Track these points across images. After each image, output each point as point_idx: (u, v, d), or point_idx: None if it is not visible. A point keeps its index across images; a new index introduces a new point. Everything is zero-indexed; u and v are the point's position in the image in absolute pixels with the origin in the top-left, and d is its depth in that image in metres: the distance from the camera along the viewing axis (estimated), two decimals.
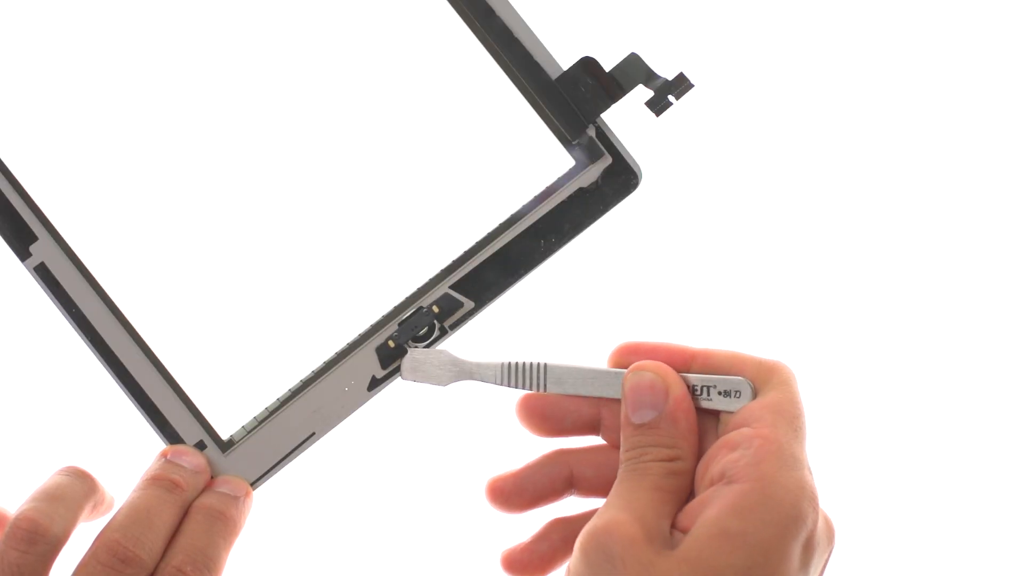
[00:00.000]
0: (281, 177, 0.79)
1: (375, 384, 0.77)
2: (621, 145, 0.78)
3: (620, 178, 0.78)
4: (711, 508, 0.68)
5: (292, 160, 0.79)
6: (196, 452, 0.76)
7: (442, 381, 0.77)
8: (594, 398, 0.75)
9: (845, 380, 1.09)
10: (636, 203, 0.78)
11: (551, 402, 0.76)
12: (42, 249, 0.77)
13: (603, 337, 1.04)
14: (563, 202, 0.78)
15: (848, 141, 1.08)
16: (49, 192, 0.77)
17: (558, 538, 0.76)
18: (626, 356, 0.75)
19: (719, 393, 0.73)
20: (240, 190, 0.79)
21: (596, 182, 0.78)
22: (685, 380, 0.73)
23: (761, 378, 0.72)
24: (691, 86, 0.76)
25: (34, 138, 0.78)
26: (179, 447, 0.76)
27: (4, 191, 0.76)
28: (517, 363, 0.76)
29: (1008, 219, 1.10)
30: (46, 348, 0.99)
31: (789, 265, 1.08)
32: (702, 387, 0.73)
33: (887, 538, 1.11)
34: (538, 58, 0.77)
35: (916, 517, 1.12)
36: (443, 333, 0.77)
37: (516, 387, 0.76)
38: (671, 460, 0.71)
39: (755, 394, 0.72)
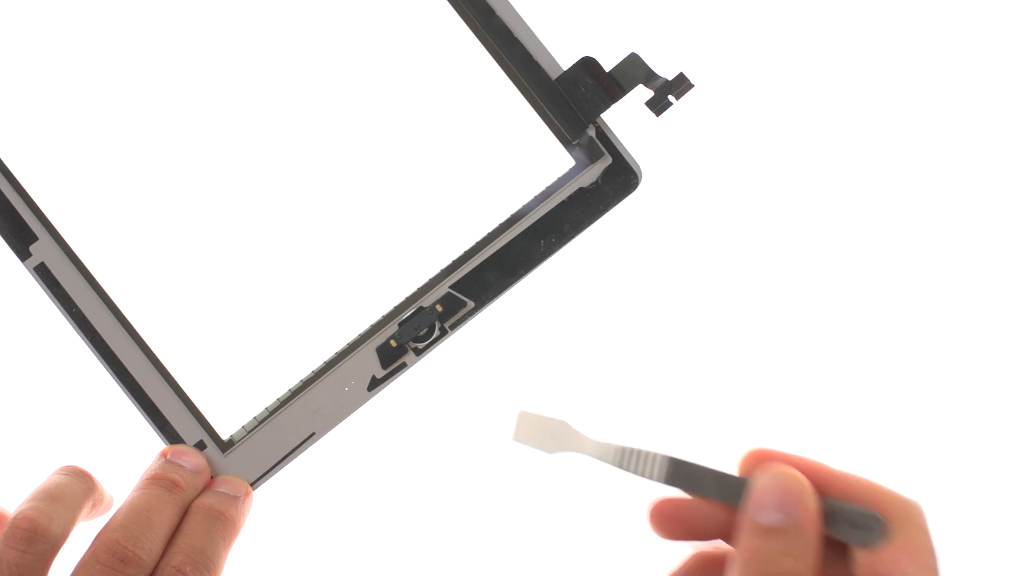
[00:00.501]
0: (281, 177, 0.79)
1: (375, 384, 0.77)
2: (621, 145, 0.78)
3: (620, 178, 0.78)
4: None
5: (292, 160, 0.79)
6: (196, 452, 0.76)
7: (551, 449, 0.73)
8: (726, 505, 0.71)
9: (842, 381, 1.09)
10: (636, 203, 0.78)
11: (685, 506, 0.71)
12: (42, 249, 0.77)
13: (603, 338, 1.04)
14: (563, 202, 0.78)
15: (848, 141, 1.08)
16: (49, 192, 0.77)
17: (701, 574, 0.72)
18: (758, 463, 0.70)
19: (848, 524, 0.67)
20: (240, 190, 0.79)
21: (596, 182, 0.78)
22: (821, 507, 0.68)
23: (896, 514, 0.67)
24: (691, 86, 0.76)
25: (34, 138, 0.78)
26: (179, 447, 0.76)
27: (4, 191, 0.76)
28: (636, 450, 0.71)
29: (1008, 221, 1.10)
30: (46, 348, 0.99)
31: (789, 265, 1.08)
32: (830, 512, 0.68)
33: None
34: (538, 58, 0.77)
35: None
36: (443, 333, 0.77)
37: (630, 472, 0.71)
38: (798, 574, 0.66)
39: (885, 532, 0.67)
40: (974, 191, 1.10)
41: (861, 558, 0.67)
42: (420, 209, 0.79)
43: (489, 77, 0.78)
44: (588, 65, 0.77)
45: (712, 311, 1.08)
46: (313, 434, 0.77)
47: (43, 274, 0.77)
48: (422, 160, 0.79)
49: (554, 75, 0.77)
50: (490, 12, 0.77)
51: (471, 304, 0.77)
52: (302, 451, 0.77)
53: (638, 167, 0.78)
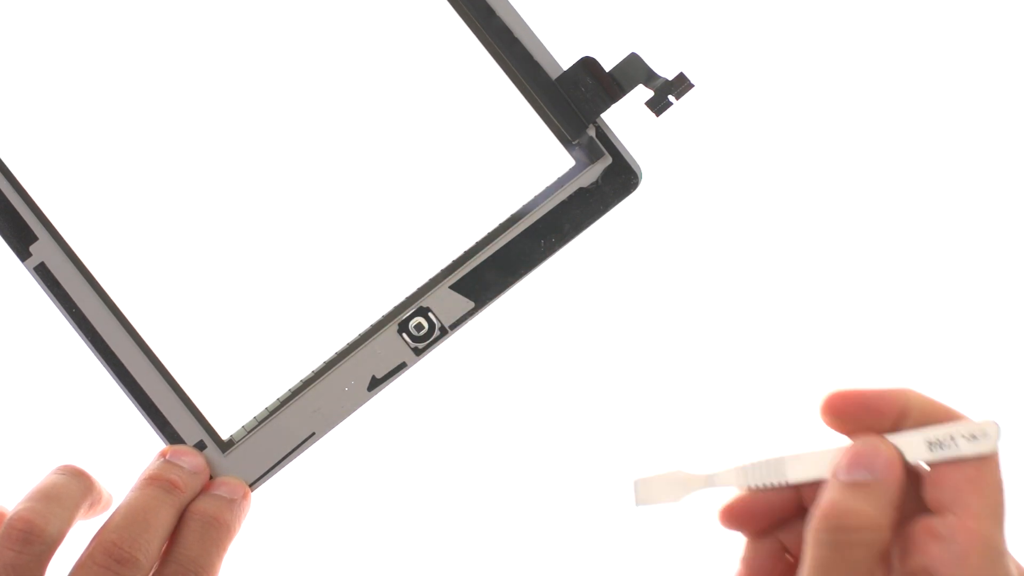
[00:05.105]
0: (281, 177, 0.79)
1: (375, 384, 0.77)
2: (621, 145, 0.78)
3: (620, 178, 0.78)
4: None
5: (292, 160, 0.79)
6: (195, 452, 0.76)
7: (678, 498, 0.72)
8: (790, 487, 0.71)
9: (841, 380, 1.09)
10: (636, 203, 0.78)
11: (749, 501, 0.71)
12: (42, 249, 0.77)
13: (603, 338, 1.04)
14: (563, 202, 0.78)
15: (848, 141, 1.08)
16: (49, 192, 0.77)
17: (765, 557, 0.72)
18: (842, 404, 0.69)
19: (964, 438, 0.67)
20: (240, 190, 0.79)
21: (596, 182, 0.78)
22: (926, 436, 0.68)
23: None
24: (691, 86, 0.76)
25: (34, 138, 0.78)
26: (178, 447, 0.76)
27: (4, 191, 0.76)
28: (754, 463, 0.71)
29: (1008, 220, 1.10)
30: (46, 348, 0.99)
31: (789, 265, 1.08)
32: (947, 438, 0.67)
33: None
34: (538, 58, 0.77)
35: None
36: (443, 333, 0.77)
37: (757, 486, 0.71)
38: (876, 529, 0.66)
39: (999, 434, 0.67)
40: (973, 191, 1.10)
41: (933, 491, 0.67)
42: (420, 209, 0.79)
43: (489, 77, 0.78)
44: (588, 65, 0.77)
45: (712, 311, 1.08)
46: (313, 434, 0.77)
47: (43, 274, 0.77)
48: (422, 160, 0.79)
49: (554, 75, 0.77)
50: (490, 12, 0.77)
51: (470, 304, 0.77)
52: (302, 451, 0.77)
53: (638, 167, 0.78)
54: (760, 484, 0.70)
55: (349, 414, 0.77)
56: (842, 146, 1.08)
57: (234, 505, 0.75)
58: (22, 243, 0.77)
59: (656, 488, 0.73)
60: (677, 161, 1.05)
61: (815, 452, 0.70)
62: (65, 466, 0.74)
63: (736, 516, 0.71)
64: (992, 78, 1.08)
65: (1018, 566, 0.68)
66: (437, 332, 0.77)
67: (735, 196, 1.07)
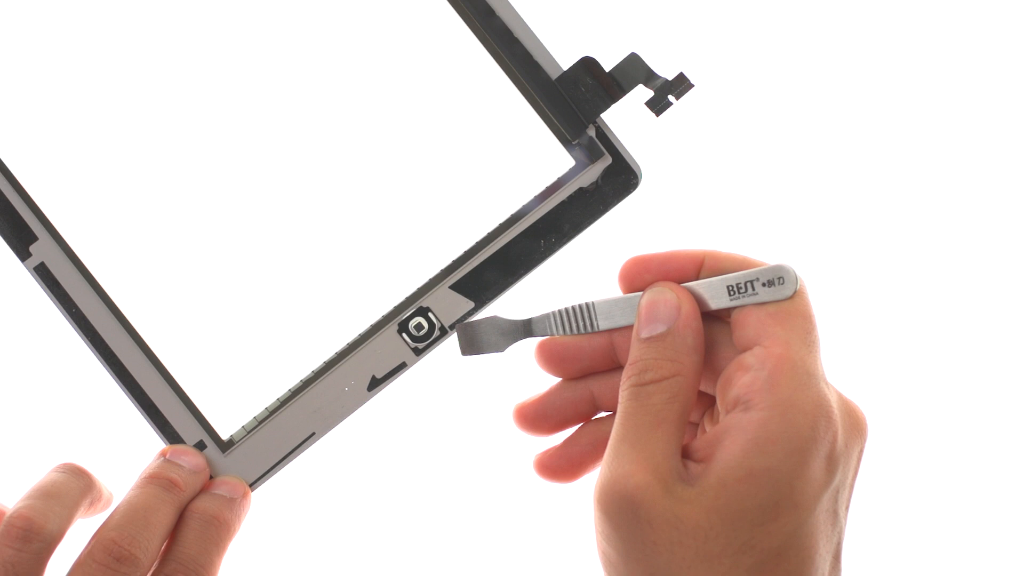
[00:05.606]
0: (281, 177, 0.79)
1: (375, 384, 0.77)
2: (621, 145, 0.78)
3: (620, 178, 0.78)
4: (732, 443, 0.67)
5: (292, 160, 0.79)
6: (195, 452, 0.76)
7: (500, 347, 0.76)
8: (605, 331, 0.75)
9: (839, 381, 1.09)
10: (636, 203, 0.78)
11: (566, 343, 0.75)
12: (42, 249, 0.77)
13: None
14: (563, 202, 0.78)
15: (848, 141, 1.08)
16: (49, 192, 0.77)
17: (587, 442, 0.76)
18: (636, 270, 0.74)
19: (763, 284, 0.70)
20: (240, 190, 0.79)
21: (596, 182, 0.78)
22: (725, 282, 0.71)
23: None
24: (691, 86, 0.76)
25: (34, 138, 0.78)
26: (178, 447, 0.76)
27: (4, 191, 0.76)
28: (567, 309, 0.75)
29: (1008, 221, 1.10)
30: (46, 348, 0.99)
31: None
32: (745, 284, 0.71)
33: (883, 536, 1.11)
34: (538, 58, 0.77)
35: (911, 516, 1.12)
36: (443, 333, 0.77)
37: (571, 332, 0.75)
38: (673, 376, 0.70)
39: (799, 279, 0.70)
40: (973, 191, 1.10)
41: (741, 332, 0.70)
42: (420, 209, 0.79)
43: (489, 77, 0.78)
44: (588, 65, 0.77)
45: None
46: (313, 434, 0.77)
47: (43, 274, 0.77)
48: (422, 160, 0.79)
49: (554, 75, 0.77)
50: (490, 12, 0.77)
51: (470, 304, 0.77)
52: (302, 451, 0.77)
53: (638, 167, 0.78)
54: (574, 330, 0.75)
55: (349, 414, 0.77)
56: (841, 145, 1.08)
57: (234, 504, 0.75)
58: (22, 243, 0.77)
59: (479, 337, 0.76)
60: (677, 161, 1.05)
61: (620, 298, 0.74)
62: (65, 464, 0.75)
63: (548, 357, 0.76)
64: (992, 78, 1.08)
65: (840, 396, 0.70)
66: (437, 332, 0.77)
67: (735, 196, 1.07)
